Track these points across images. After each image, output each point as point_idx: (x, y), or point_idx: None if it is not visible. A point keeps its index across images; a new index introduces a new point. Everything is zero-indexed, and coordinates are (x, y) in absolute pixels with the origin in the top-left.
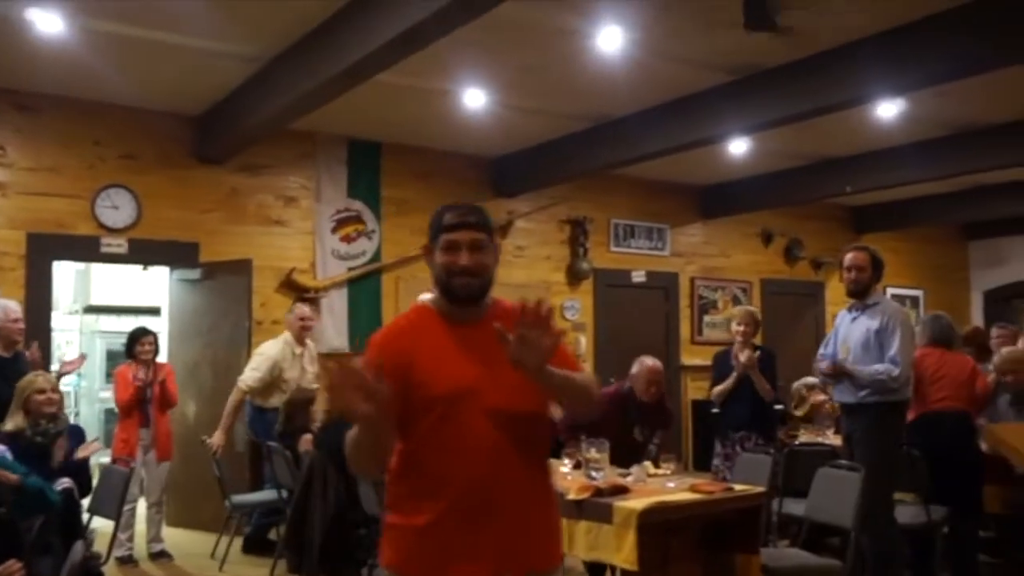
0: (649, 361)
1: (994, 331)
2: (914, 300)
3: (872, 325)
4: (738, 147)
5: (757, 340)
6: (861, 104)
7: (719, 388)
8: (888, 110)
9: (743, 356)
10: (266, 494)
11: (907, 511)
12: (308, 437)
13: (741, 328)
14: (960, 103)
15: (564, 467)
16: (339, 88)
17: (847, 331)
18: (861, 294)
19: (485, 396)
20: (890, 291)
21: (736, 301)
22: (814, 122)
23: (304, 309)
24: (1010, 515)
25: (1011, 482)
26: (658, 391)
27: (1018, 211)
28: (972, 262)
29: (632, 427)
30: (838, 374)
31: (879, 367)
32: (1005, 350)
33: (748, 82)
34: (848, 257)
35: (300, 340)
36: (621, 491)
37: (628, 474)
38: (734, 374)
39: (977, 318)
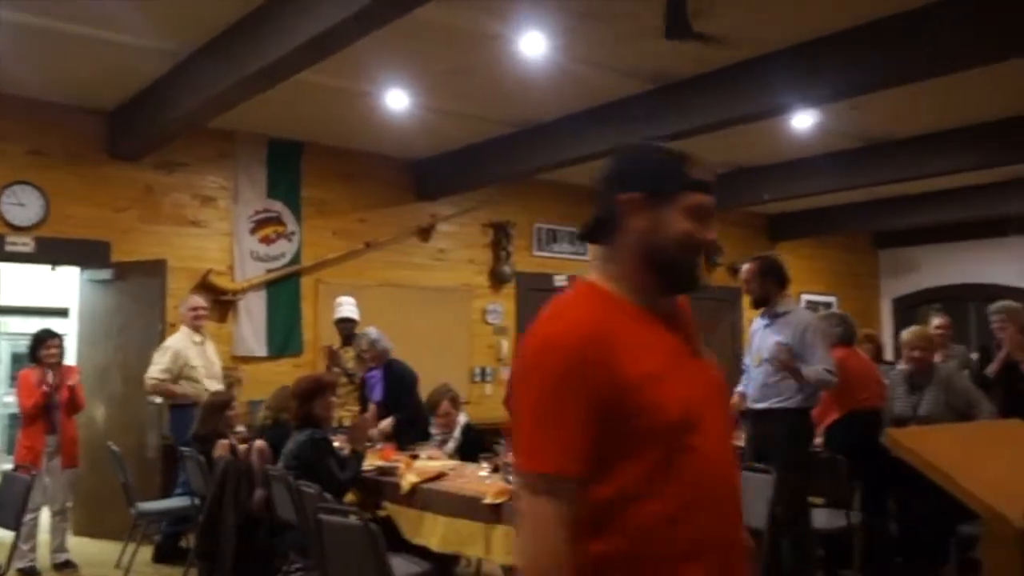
0: None
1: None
2: (827, 306)
3: (785, 336)
4: None
5: None
6: (777, 115)
7: None
8: (803, 121)
9: None
10: (175, 501)
11: (825, 514)
12: (224, 443)
13: None
14: (872, 116)
15: (482, 471)
16: (258, 86)
17: (761, 341)
18: (763, 303)
19: (714, 419)
20: (804, 297)
21: None
22: (733, 131)
23: (196, 300)
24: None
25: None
26: None
27: (925, 221)
28: (882, 270)
29: None
30: (787, 366)
31: (821, 368)
32: (913, 328)
33: (669, 90)
34: (742, 270)
35: (197, 330)
36: None
37: None
38: None
39: (887, 324)
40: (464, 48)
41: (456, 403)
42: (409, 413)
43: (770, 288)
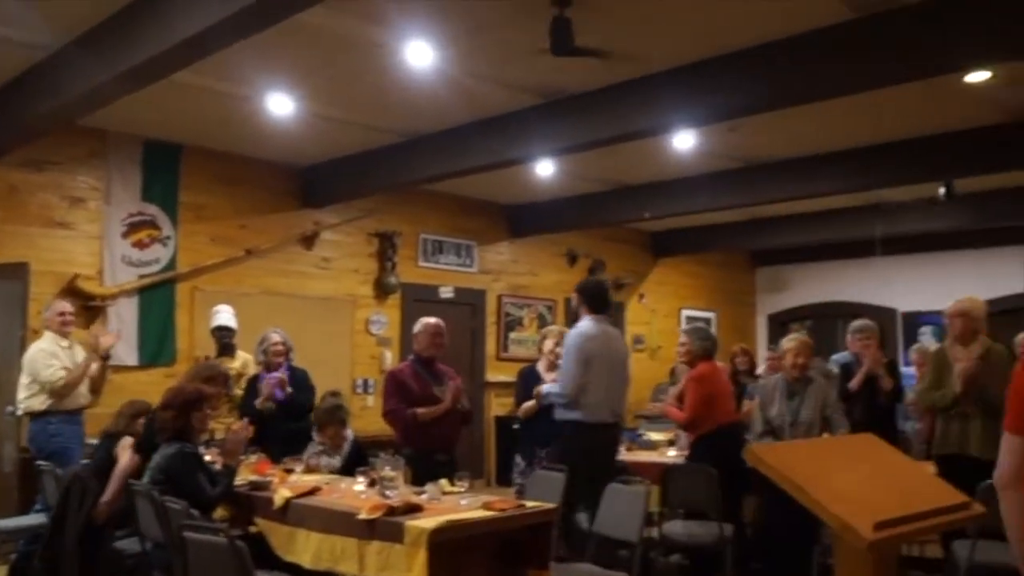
0: (432, 320)
1: (766, 353)
2: (707, 321)
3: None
4: (545, 169)
5: None
6: (659, 134)
7: (527, 404)
8: (685, 141)
9: (550, 375)
10: (32, 518)
11: (693, 525)
12: (128, 441)
13: (560, 349)
14: (750, 138)
15: (358, 485)
16: (131, 85)
17: None
18: (575, 321)
19: None
20: (685, 312)
21: (542, 319)
22: (617, 149)
23: (63, 304)
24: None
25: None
26: (441, 346)
27: (799, 241)
28: (758, 287)
29: (430, 388)
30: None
31: (549, 386)
32: (794, 335)
33: (556, 106)
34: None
35: (64, 336)
36: (414, 509)
37: (423, 492)
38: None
39: (761, 340)
40: (349, 55)
41: (345, 424)
42: (307, 416)
43: (580, 305)
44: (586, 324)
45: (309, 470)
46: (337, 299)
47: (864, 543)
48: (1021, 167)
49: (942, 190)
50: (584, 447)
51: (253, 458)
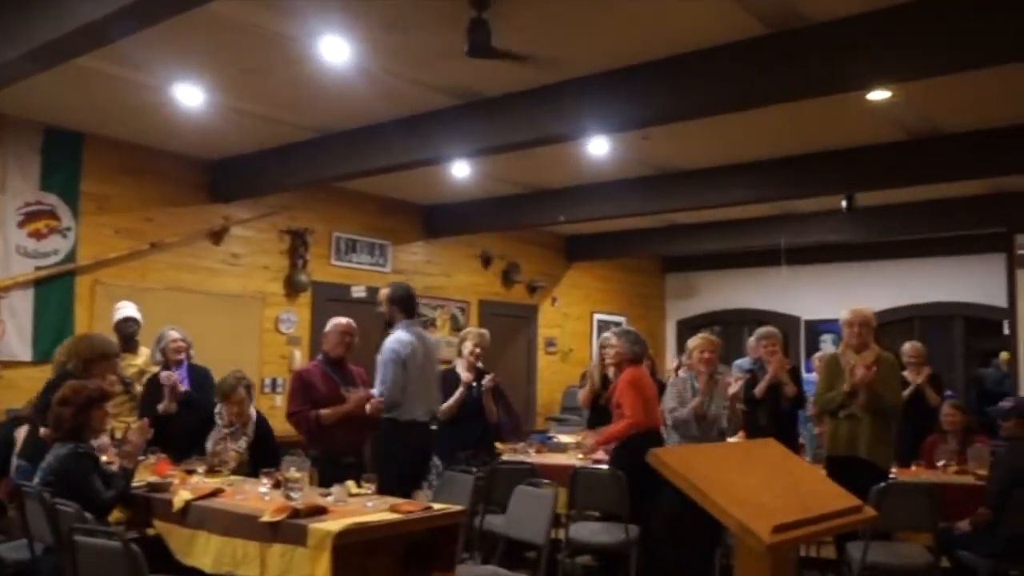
0: (342, 320)
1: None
2: (618, 325)
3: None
4: (461, 170)
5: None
6: (573, 139)
7: (447, 405)
8: (599, 147)
9: (468, 376)
10: None
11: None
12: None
13: (477, 351)
14: (662, 147)
15: (262, 487)
16: (30, 67)
17: None
18: (389, 325)
19: None
20: (597, 316)
21: (455, 320)
22: (533, 152)
23: None
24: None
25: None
26: (350, 347)
27: (708, 248)
28: (668, 293)
29: (338, 389)
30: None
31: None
32: (701, 334)
33: (474, 107)
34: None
35: None
36: (319, 512)
37: (328, 494)
38: (459, 391)
39: (671, 345)
40: (262, 47)
41: (251, 392)
42: (210, 415)
43: (395, 313)
44: (402, 330)
45: (211, 470)
46: (246, 296)
47: (763, 546)
48: (918, 183)
49: (844, 203)
50: (401, 443)
51: (152, 459)
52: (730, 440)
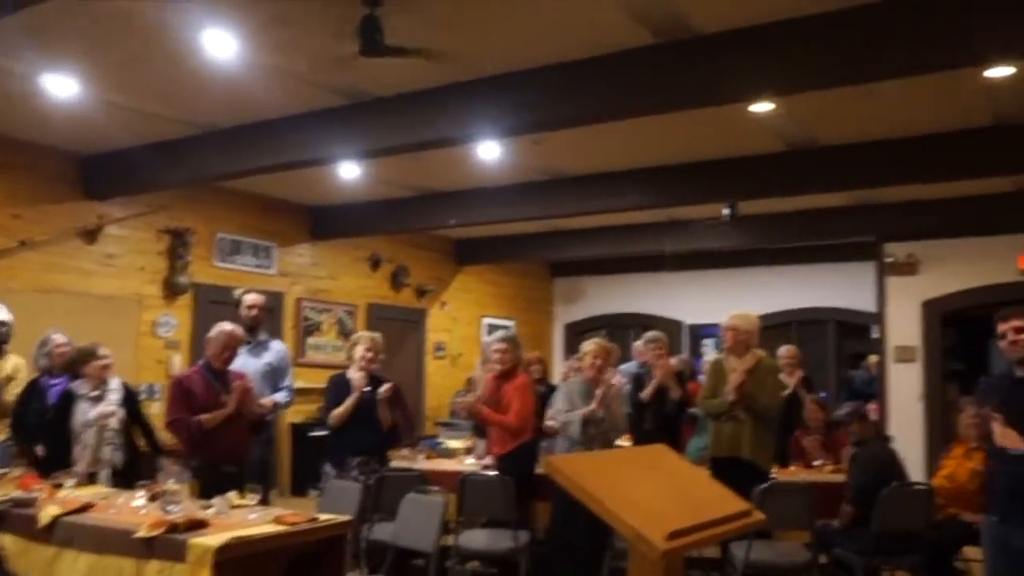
0: (227, 326)
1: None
2: (507, 329)
3: (267, 360)
4: (350, 171)
5: None
6: (463, 143)
7: (338, 411)
8: (491, 151)
9: (359, 378)
10: None
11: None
12: None
13: (369, 355)
14: (552, 152)
15: (137, 500)
16: None
17: (245, 363)
18: (255, 331)
19: None
20: (486, 320)
21: (342, 324)
22: (424, 155)
23: None
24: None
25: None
26: (231, 355)
27: (595, 254)
28: (556, 297)
29: (219, 397)
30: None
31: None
32: (593, 340)
33: (364, 107)
34: (252, 299)
35: None
36: (199, 526)
37: (209, 506)
38: (352, 397)
39: (558, 348)
40: (142, 38)
41: (108, 364)
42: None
43: (264, 321)
44: (276, 339)
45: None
46: (121, 298)
47: (657, 553)
48: (796, 193)
49: (727, 211)
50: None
51: (17, 472)
52: (619, 443)
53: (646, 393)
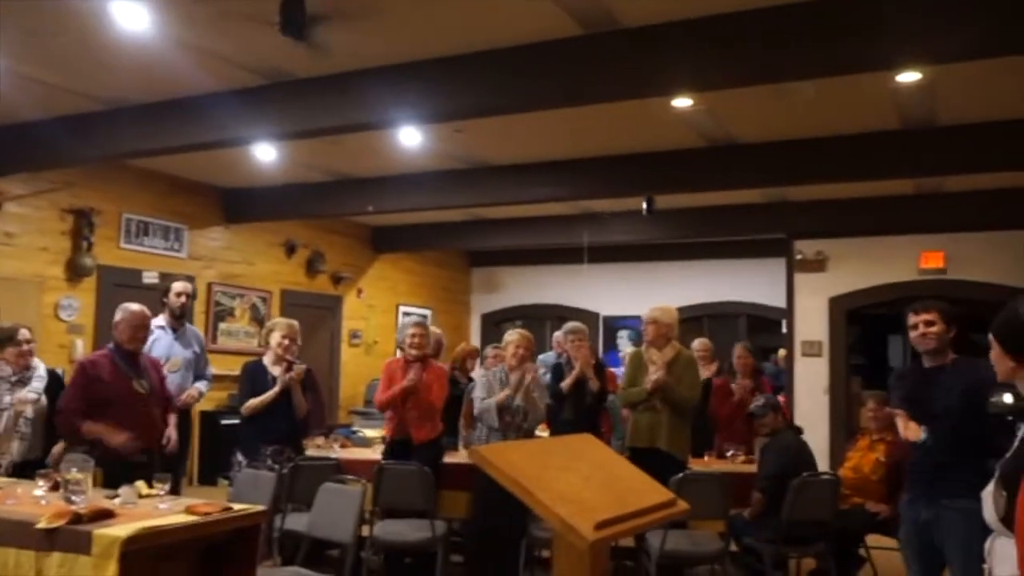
0: (135, 306)
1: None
2: (424, 318)
3: (192, 348)
4: (267, 153)
5: None
6: (382, 128)
7: (255, 401)
8: (412, 137)
9: (279, 369)
10: None
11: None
12: None
13: (286, 342)
14: (475, 141)
15: (38, 490)
16: None
17: (173, 350)
18: (179, 318)
19: None
20: (402, 309)
21: (255, 310)
22: (344, 139)
23: None
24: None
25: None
26: (143, 336)
27: (513, 244)
28: (474, 287)
29: (129, 382)
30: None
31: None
32: (517, 330)
33: (281, 88)
34: (181, 286)
35: None
36: (105, 516)
37: (116, 496)
38: (276, 387)
39: (475, 338)
40: (48, 8)
41: (31, 349)
42: None
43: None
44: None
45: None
46: (21, 280)
47: (586, 543)
48: (712, 188)
49: (644, 204)
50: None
51: None
52: (538, 434)
53: (566, 384)
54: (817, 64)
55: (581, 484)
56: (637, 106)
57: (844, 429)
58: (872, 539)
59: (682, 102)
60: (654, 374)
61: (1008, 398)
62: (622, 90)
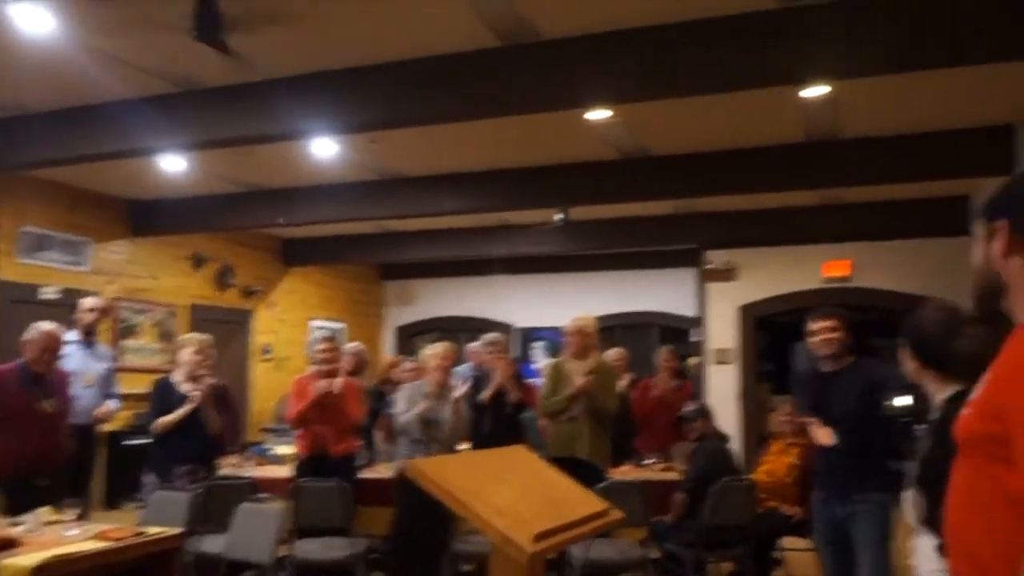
0: (46, 326)
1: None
2: (336, 332)
3: (108, 365)
4: (174, 164)
5: None
6: (293, 139)
7: (166, 419)
8: (326, 148)
9: (190, 385)
10: None
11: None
12: None
13: (199, 358)
14: (389, 152)
15: None
16: None
17: (87, 367)
18: (90, 332)
19: None
20: (313, 323)
21: (161, 326)
22: (254, 149)
23: None
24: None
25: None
26: (52, 358)
27: (427, 256)
28: (387, 299)
29: (37, 401)
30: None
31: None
32: (442, 343)
33: (192, 96)
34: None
35: None
36: (9, 545)
37: (20, 523)
38: (187, 406)
39: (389, 350)
40: None
41: None
42: None
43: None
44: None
45: None
46: None
47: (525, 556)
48: (626, 200)
49: (558, 216)
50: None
51: None
52: (459, 448)
53: (485, 395)
54: (730, 77)
55: (517, 496)
56: (552, 119)
57: (756, 434)
58: (786, 541)
59: (596, 114)
60: (580, 380)
61: (903, 401)
62: (537, 102)
